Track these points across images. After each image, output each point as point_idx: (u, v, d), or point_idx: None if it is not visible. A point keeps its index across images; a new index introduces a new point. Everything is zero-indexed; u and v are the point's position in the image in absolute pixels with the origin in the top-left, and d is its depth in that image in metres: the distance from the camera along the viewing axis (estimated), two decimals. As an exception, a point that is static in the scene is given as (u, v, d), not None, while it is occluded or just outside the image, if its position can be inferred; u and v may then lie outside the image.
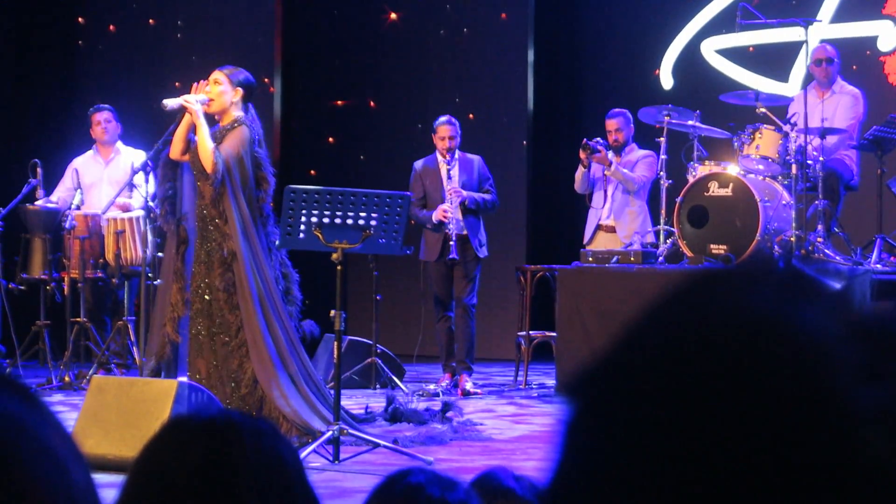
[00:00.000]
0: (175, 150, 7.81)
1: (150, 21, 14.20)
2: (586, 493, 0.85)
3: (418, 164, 10.84)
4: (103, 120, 11.25)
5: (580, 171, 10.85)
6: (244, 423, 1.56)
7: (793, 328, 0.83)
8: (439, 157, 10.68)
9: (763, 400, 0.80)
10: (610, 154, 10.67)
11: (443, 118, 10.76)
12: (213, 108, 7.76)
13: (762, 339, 0.82)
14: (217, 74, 7.84)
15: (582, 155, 10.67)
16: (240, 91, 7.80)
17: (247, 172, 7.69)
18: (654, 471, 0.81)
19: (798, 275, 0.87)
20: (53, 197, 10.95)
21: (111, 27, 14.32)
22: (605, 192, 10.81)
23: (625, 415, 0.84)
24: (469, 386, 10.48)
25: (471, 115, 13.28)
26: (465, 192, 10.51)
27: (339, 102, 14.29)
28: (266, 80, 13.80)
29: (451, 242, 10.38)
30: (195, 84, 7.82)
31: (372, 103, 14.11)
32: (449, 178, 10.58)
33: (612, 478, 0.83)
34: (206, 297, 7.73)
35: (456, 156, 10.66)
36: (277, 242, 7.62)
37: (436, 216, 10.45)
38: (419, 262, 10.78)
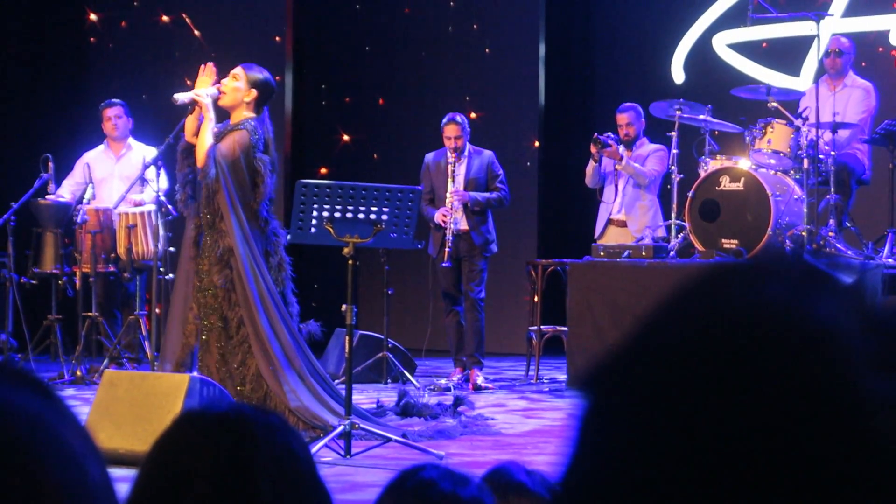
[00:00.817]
0: (189, 134, 7.77)
1: (162, 17, 14.21)
2: (600, 487, 0.85)
3: (429, 156, 10.83)
4: (114, 116, 11.25)
5: (591, 165, 10.84)
6: (256, 417, 1.56)
7: (807, 320, 0.83)
8: (448, 153, 10.67)
9: (778, 391, 0.80)
10: (621, 148, 10.66)
11: (448, 118, 10.73)
12: (224, 102, 7.71)
13: (776, 330, 0.82)
14: (237, 70, 7.79)
15: (593, 149, 10.66)
16: (254, 92, 7.72)
17: (242, 175, 7.62)
18: (669, 463, 0.81)
19: (811, 268, 0.88)
20: (63, 191, 10.96)
21: (123, 23, 14.34)
22: (616, 186, 10.80)
23: (639, 408, 0.84)
24: (480, 380, 10.48)
25: (472, 114, 13.26)
26: (468, 194, 10.47)
27: (347, 99, 14.29)
28: (277, 77, 13.81)
29: (448, 249, 10.36)
30: (202, 66, 7.78)
31: (381, 100, 14.10)
32: (454, 177, 10.53)
33: (627, 471, 0.83)
34: (217, 295, 7.72)
35: (466, 152, 10.65)
36: (289, 237, 7.61)
37: (436, 218, 10.46)
38: (429, 257, 10.80)
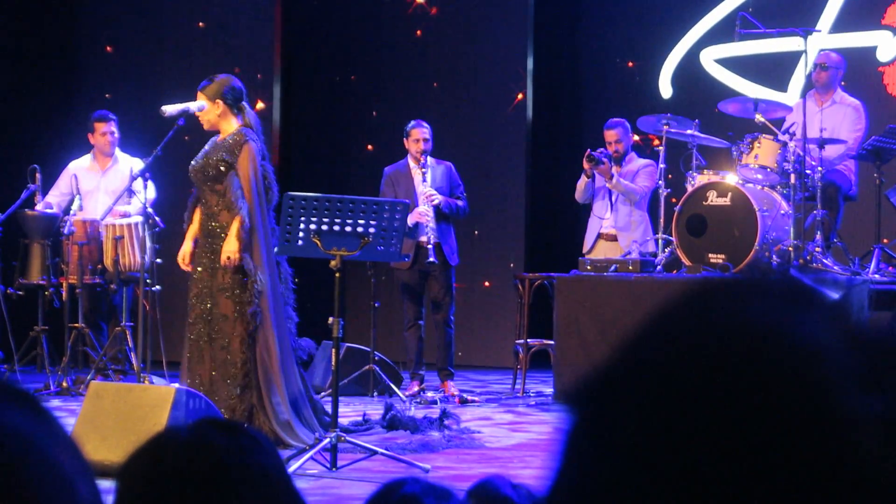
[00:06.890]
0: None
1: (149, 27, 14.18)
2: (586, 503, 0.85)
3: (389, 169, 10.77)
4: (108, 131, 11.13)
5: (583, 180, 10.84)
6: (225, 440, 1.53)
7: (791, 338, 0.83)
8: (411, 162, 10.60)
9: (762, 408, 0.81)
10: (613, 168, 10.67)
11: (417, 121, 10.71)
12: (207, 127, 7.88)
13: (761, 348, 0.83)
14: (198, 96, 7.92)
15: (586, 165, 10.65)
16: (220, 103, 7.85)
17: (260, 189, 7.78)
18: (655, 480, 0.81)
19: (797, 285, 0.88)
20: (51, 199, 10.92)
21: (110, 33, 14.31)
22: (611, 200, 10.79)
23: (625, 424, 0.84)
24: (455, 391, 10.51)
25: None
26: (439, 196, 10.44)
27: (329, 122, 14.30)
28: (261, 76, 13.81)
29: (430, 246, 10.30)
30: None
31: (374, 113, 14.10)
32: (424, 180, 10.49)
33: (614, 488, 0.83)
34: (208, 303, 7.74)
35: (428, 161, 10.59)
36: (276, 249, 7.62)
37: (412, 219, 10.12)
38: (389, 269, 10.77)
